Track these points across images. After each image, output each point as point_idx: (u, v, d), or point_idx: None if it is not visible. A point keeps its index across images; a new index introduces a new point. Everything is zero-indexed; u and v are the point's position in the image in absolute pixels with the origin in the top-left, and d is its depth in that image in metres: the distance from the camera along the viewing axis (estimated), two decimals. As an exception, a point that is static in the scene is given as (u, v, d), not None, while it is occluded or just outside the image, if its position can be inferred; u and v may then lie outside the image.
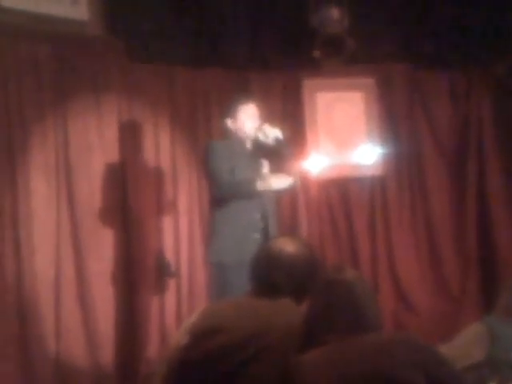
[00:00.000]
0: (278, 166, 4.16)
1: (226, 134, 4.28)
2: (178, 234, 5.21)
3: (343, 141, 5.64)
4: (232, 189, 4.08)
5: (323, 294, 2.29)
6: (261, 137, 4.13)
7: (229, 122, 4.24)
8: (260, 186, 4.04)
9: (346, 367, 2.11)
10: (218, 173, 4.09)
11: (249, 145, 4.23)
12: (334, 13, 5.33)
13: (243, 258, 3.66)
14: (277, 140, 4.08)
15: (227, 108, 4.31)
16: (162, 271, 5.09)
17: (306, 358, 2.21)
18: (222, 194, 4.11)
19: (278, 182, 4.08)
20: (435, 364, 2.10)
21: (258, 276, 2.58)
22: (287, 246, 2.56)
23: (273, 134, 4.09)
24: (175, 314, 5.09)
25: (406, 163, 5.78)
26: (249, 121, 4.20)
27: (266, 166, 4.20)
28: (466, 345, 3.16)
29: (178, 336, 2.61)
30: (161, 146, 5.25)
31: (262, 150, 4.19)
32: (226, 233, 4.09)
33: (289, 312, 2.44)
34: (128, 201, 5.06)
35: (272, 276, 2.51)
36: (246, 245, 3.91)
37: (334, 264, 2.49)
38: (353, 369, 2.10)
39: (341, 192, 5.70)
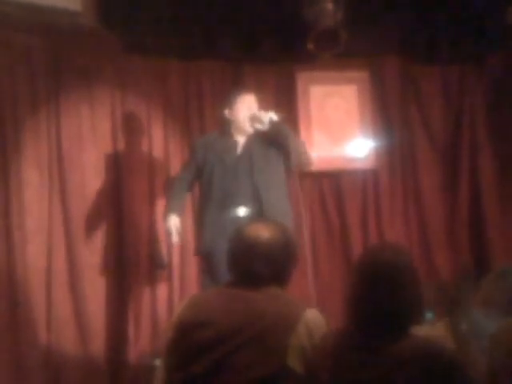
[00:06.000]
0: (283, 151, 4.18)
1: (224, 125, 4.34)
2: (171, 226, 5.22)
3: (336, 134, 5.64)
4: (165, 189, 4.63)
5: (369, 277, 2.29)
6: (257, 125, 4.16)
7: (226, 113, 4.31)
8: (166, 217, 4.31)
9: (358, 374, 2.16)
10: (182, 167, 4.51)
11: (242, 138, 4.27)
12: (328, 6, 5.32)
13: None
14: (272, 122, 4.10)
15: (225, 99, 4.36)
16: (154, 262, 5.10)
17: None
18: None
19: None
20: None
21: (237, 266, 2.59)
22: (262, 233, 2.56)
23: (266, 117, 4.11)
24: (167, 305, 5.08)
25: (399, 157, 5.78)
26: (245, 110, 4.23)
27: (260, 160, 4.22)
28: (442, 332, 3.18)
29: (167, 328, 2.63)
30: (154, 138, 5.25)
31: (266, 141, 4.22)
32: (210, 224, 4.20)
33: (277, 298, 2.48)
34: (120, 192, 5.08)
35: (250, 265, 2.52)
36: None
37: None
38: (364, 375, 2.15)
39: (333, 185, 5.69)
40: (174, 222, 4.25)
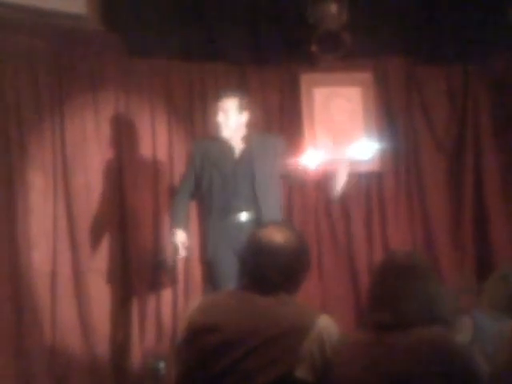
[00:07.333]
0: None
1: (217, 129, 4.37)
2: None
3: (340, 136, 5.61)
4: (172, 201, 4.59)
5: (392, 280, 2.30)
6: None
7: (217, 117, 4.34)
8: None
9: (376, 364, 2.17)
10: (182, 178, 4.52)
11: (237, 142, 4.30)
12: (332, 8, 5.32)
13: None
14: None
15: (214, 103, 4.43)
16: (159, 267, 5.08)
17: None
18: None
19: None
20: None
21: (249, 270, 2.57)
22: (275, 237, 2.54)
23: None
24: (171, 309, 5.07)
25: (403, 159, 5.75)
26: (222, 116, 4.25)
27: (260, 165, 4.23)
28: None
29: (180, 332, 2.63)
30: (158, 141, 5.24)
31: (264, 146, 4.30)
32: (212, 232, 4.25)
33: (290, 304, 2.47)
34: (125, 196, 5.06)
35: (262, 269, 2.50)
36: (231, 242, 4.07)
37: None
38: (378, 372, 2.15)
39: (337, 187, 5.67)
40: (180, 237, 4.27)
